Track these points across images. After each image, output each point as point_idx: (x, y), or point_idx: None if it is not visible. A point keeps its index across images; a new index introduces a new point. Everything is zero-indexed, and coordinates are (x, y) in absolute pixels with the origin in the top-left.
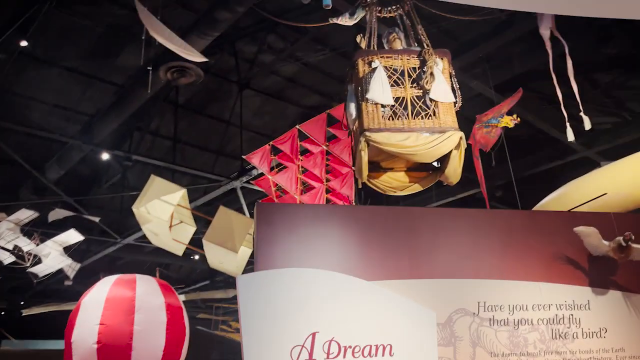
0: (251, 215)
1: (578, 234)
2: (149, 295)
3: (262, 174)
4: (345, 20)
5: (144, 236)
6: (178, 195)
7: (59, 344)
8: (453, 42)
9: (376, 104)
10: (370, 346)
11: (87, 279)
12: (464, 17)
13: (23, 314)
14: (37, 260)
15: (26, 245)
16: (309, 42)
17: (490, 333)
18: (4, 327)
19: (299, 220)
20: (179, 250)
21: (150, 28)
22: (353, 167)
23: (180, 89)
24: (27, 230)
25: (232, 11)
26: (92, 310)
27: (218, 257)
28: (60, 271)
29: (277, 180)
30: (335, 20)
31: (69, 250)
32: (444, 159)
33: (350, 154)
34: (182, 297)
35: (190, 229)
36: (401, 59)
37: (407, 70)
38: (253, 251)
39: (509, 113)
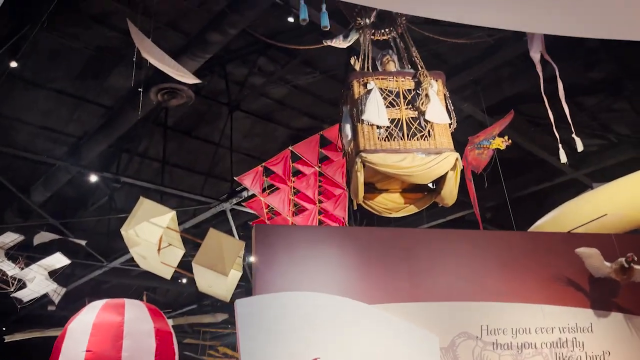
0: (241, 238)
1: (579, 255)
2: (138, 321)
3: (252, 196)
4: (339, 43)
5: (131, 259)
6: (167, 217)
7: None
8: (443, 65)
9: (372, 125)
10: None
11: (71, 303)
12: (455, 39)
13: (5, 341)
14: (22, 285)
15: (10, 269)
16: (299, 65)
17: (494, 357)
18: None
19: (297, 242)
20: (167, 273)
21: (142, 49)
22: (347, 189)
23: (170, 110)
24: (12, 254)
25: (223, 33)
26: (78, 337)
27: (207, 280)
28: (44, 296)
29: (269, 202)
30: (329, 43)
31: (55, 275)
32: (440, 180)
33: (344, 175)
34: (170, 322)
35: (179, 252)
36: (396, 81)
37: (402, 92)
38: (243, 275)
39: (500, 135)
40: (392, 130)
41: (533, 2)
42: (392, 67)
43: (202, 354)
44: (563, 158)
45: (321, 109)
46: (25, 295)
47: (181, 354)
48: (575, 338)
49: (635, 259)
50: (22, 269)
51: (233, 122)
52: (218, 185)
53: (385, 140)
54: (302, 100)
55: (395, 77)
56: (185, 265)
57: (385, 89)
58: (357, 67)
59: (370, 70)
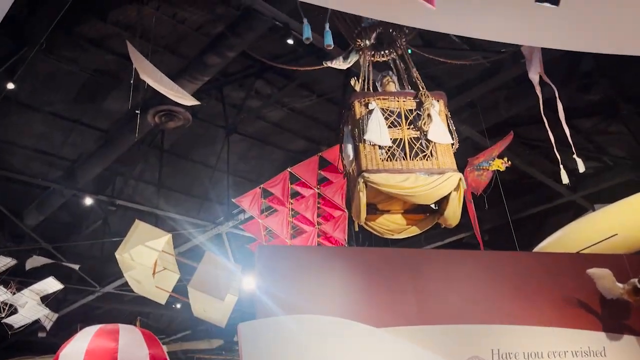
0: (237, 262)
1: (591, 276)
2: (132, 347)
3: (250, 218)
4: (339, 64)
5: (124, 284)
6: (163, 240)
7: None
8: (439, 88)
9: (374, 145)
10: None
11: (63, 330)
12: (452, 60)
13: None
14: (13, 311)
15: (2, 294)
16: (296, 88)
17: None
18: None
19: (301, 263)
20: (162, 298)
21: (140, 70)
22: (346, 210)
23: (166, 133)
24: (3, 278)
25: (222, 56)
26: None
27: (203, 305)
28: (36, 322)
29: (267, 224)
30: (329, 64)
31: (47, 300)
32: (443, 201)
33: (343, 197)
34: (164, 348)
35: (174, 276)
36: (397, 101)
37: (404, 112)
38: (238, 299)
39: (500, 156)
40: (394, 150)
41: (542, 16)
42: (393, 88)
43: None
44: (565, 179)
45: (318, 131)
46: (16, 321)
47: None
48: None
49: None
50: (14, 294)
51: (230, 145)
52: (214, 208)
53: (387, 160)
54: (299, 123)
55: (396, 97)
56: (179, 289)
57: (387, 109)
58: (358, 88)
59: (371, 91)
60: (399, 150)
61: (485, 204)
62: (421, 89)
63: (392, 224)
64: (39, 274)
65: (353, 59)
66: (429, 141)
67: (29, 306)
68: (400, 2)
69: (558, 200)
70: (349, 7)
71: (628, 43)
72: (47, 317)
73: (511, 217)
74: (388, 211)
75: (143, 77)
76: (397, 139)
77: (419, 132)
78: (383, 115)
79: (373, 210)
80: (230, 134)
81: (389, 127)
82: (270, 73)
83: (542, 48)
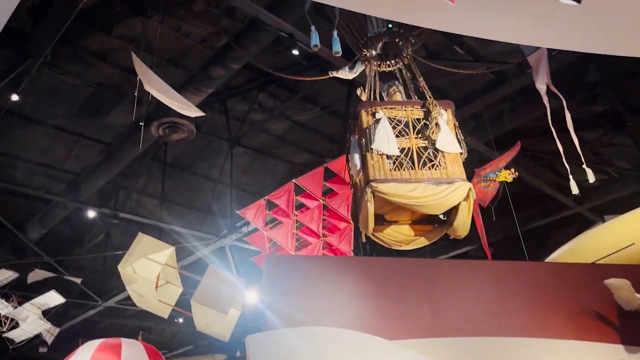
0: (240, 275)
1: (609, 287)
2: None
3: (253, 231)
4: (345, 74)
5: (126, 298)
6: (166, 253)
7: None
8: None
9: (381, 154)
10: None
11: (64, 345)
12: (461, 71)
13: None
14: (14, 325)
15: (3, 308)
16: (300, 101)
17: None
18: None
19: (310, 273)
20: (164, 312)
21: (145, 81)
22: (352, 222)
23: (168, 147)
24: (5, 292)
25: (226, 68)
26: None
27: (206, 319)
28: (37, 337)
29: (272, 236)
30: (335, 74)
31: (48, 314)
32: (452, 211)
33: (349, 208)
34: None
35: (177, 290)
36: (405, 110)
37: (412, 121)
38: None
39: (506, 167)
40: (402, 159)
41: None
42: (399, 97)
43: None
44: (575, 189)
45: (321, 144)
46: (17, 335)
47: None
48: None
49: None
50: (15, 307)
51: (232, 157)
52: (216, 222)
53: (395, 170)
54: (302, 135)
55: (404, 107)
56: (182, 303)
57: (394, 119)
58: (364, 97)
59: (378, 100)
60: (407, 159)
61: (493, 215)
62: (428, 98)
63: (400, 235)
64: (40, 288)
65: (359, 69)
66: (437, 150)
67: (30, 320)
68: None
69: (564, 212)
70: (365, 7)
71: None
72: (48, 331)
73: (516, 230)
74: (396, 222)
75: (147, 88)
76: (405, 148)
77: (427, 142)
78: (390, 124)
79: (380, 221)
80: (233, 146)
81: (397, 136)
82: (273, 86)
83: (547, 59)
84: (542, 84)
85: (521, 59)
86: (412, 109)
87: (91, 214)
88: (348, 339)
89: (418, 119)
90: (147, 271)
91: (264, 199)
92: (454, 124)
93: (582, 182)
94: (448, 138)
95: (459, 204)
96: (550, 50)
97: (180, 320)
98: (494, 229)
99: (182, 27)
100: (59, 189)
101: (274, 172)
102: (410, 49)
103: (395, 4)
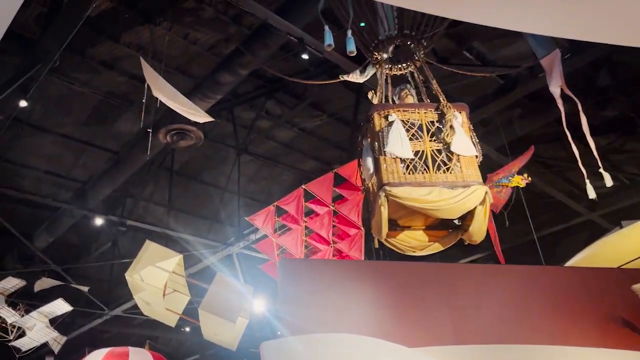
0: (246, 283)
1: (636, 292)
2: None
3: (260, 239)
4: (356, 78)
5: (132, 307)
6: (174, 261)
7: None
8: None
9: (395, 157)
10: None
11: (69, 354)
12: (473, 73)
13: None
14: (21, 333)
15: (10, 316)
16: (307, 108)
17: None
18: None
19: (327, 278)
20: (171, 320)
21: (154, 86)
22: (363, 228)
23: (176, 155)
24: (12, 301)
25: (235, 74)
26: None
27: (214, 327)
28: (44, 345)
29: (281, 243)
30: (345, 78)
31: (55, 323)
32: (467, 216)
33: (359, 214)
34: None
35: (184, 298)
36: (418, 113)
37: (425, 124)
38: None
39: (519, 173)
40: (415, 163)
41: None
42: (411, 100)
43: None
44: (592, 194)
45: (328, 152)
46: (24, 344)
47: None
48: None
49: None
50: (22, 316)
51: (240, 165)
52: (223, 230)
53: (409, 173)
54: (309, 143)
55: (417, 109)
56: (189, 312)
57: (408, 121)
58: (375, 101)
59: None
60: (421, 162)
61: (506, 221)
62: (442, 100)
63: (414, 241)
64: (47, 297)
65: (370, 72)
66: (451, 153)
67: (37, 329)
68: None
69: (575, 219)
70: None
71: None
72: (55, 340)
73: (527, 237)
74: (409, 227)
75: (156, 94)
76: (419, 151)
77: (441, 144)
78: (404, 127)
79: (394, 226)
80: (240, 154)
81: (410, 139)
82: (281, 93)
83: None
84: (556, 87)
85: (533, 62)
86: (425, 111)
87: (98, 221)
88: (367, 346)
89: (432, 122)
90: (155, 279)
91: (273, 205)
92: (469, 127)
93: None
94: (463, 141)
95: (475, 208)
96: (561, 54)
97: (187, 329)
98: (503, 236)
99: (190, 34)
100: (66, 197)
101: (280, 180)
102: (422, 52)
103: None
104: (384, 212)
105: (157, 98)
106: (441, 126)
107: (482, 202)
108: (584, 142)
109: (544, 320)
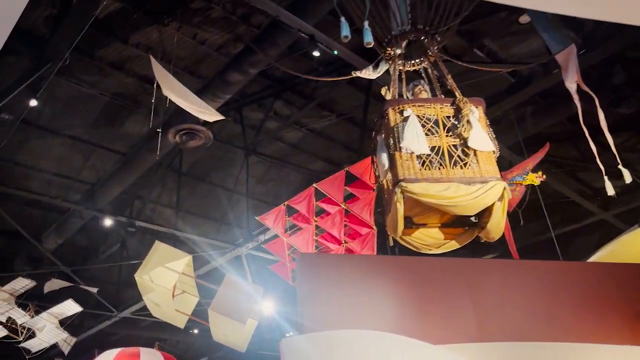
0: (255, 284)
1: None
2: None
3: (270, 239)
4: (369, 74)
5: (141, 309)
6: (183, 262)
7: None
8: None
9: (411, 153)
10: None
11: (78, 356)
12: (488, 68)
13: None
14: (31, 334)
15: (20, 317)
16: (315, 108)
17: None
18: None
19: (347, 273)
20: (180, 322)
21: (164, 85)
22: (375, 227)
23: (184, 156)
24: (21, 302)
25: (244, 73)
26: None
27: (223, 329)
28: (53, 347)
29: (292, 242)
30: (358, 74)
31: (65, 323)
32: (484, 213)
33: (371, 213)
34: None
35: (193, 300)
36: (434, 108)
37: (442, 119)
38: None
39: (533, 171)
40: (432, 158)
41: None
42: (425, 96)
43: None
44: (610, 190)
45: (337, 152)
46: (34, 345)
47: None
48: None
49: None
50: (32, 317)
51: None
52: (231, 231)
53: (425, 169)
54: (317, 143)
55: (433, 104)
56: (198, 313)
57: (423, 116)
58: (388, 97)
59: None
60: (438, 158)
61: (520, 219)
62: (458, 95)
63: (429, 239)
64: (56, 298)
65: (383, 68)
66: (468, 149)
67: (47, 330)
68: None
69: (587, 219)
70: None
71: None
72: (65, 341)
73: (539, 237)
74: (424, 225)
75: (166, 93)
76: (435, 146)
77: (458, 140)
78: (419, 122)
79: (409, 224)
80: (249, 155)
81: (426, 134)
82: (289, 93)
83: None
84: (572, 83)
85: (548, 58)
86: (441, 106)
87: (107, 222)
88: (389, 342)
89: (448, 117)
90: (164, 280)
91: (284, 204)
92: (486, 122)
93: (604, 189)
94: (480, 136)
95: (493, 204)
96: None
97: (196, 331)
98: (516, 236)
99: (199, 34)
100: (75, 199)
101: (288, 181)
102: (436, 47)
103: None
104: (400, 208)
105: (166, 98)
106: (456, 122)
107: (500, 198)
108: (596, 140)
109: (573, 316)
